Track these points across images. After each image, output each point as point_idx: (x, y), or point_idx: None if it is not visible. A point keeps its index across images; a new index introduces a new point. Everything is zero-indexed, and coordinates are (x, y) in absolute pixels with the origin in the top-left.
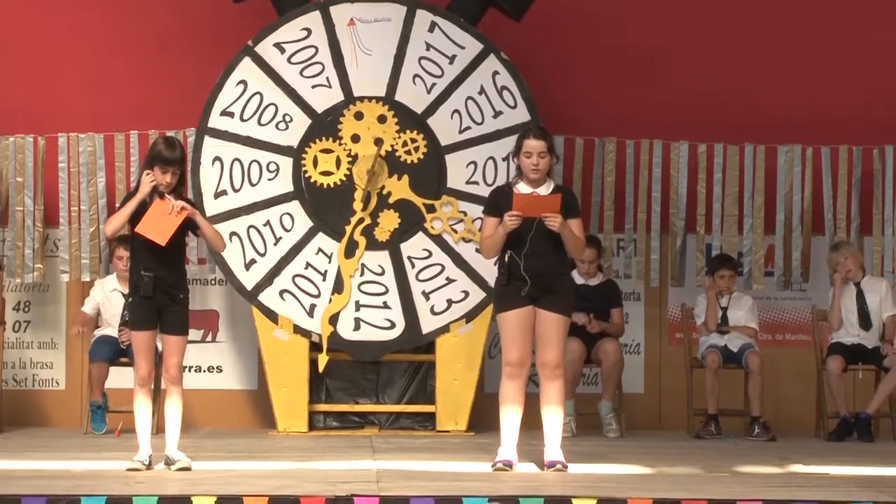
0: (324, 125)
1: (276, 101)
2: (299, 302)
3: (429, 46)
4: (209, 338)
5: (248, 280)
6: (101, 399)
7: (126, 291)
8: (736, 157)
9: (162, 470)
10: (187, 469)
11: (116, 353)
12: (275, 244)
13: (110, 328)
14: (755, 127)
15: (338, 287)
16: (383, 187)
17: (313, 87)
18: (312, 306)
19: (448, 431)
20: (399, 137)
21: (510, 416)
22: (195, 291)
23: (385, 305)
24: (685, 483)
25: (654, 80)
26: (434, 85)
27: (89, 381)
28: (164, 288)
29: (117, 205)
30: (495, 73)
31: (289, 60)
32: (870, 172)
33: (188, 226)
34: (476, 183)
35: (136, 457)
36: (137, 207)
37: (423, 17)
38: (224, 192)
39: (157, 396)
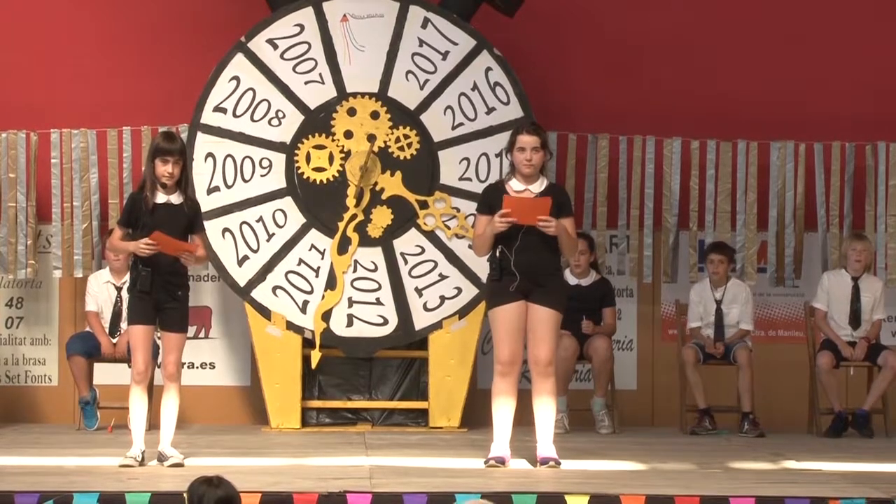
0: (316, 121)
1: (268, 97)
2: (292, 298)
3: (422, 42)
4: (202, 334)
5: (241, 276)
6: (87, 394)
7: (118, 283)
8: (729, 153)
9: (155, 466)
10: (180, 465)
11: (94, 347)
12: (267, 240)
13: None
14: (748, 123)
15: (330, 283)
16: (376, 183)
17: (306, 83)
18: (305, 303)
19: (441, 428)
20: (392, 133)
21: (503, 412)
22: None
23: (378, 302)
24: (678, 479)
25: (647, 77)
26: (427, 81)
27: (73, 379)
28: (162, 284)
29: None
30: (488, 69)
31: (281, 56)
32: (862, 169)
33: (190, 227)
34: (469, 179)
35: (128, 453)
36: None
37: (415, 13)
38: (217, 189)
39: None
